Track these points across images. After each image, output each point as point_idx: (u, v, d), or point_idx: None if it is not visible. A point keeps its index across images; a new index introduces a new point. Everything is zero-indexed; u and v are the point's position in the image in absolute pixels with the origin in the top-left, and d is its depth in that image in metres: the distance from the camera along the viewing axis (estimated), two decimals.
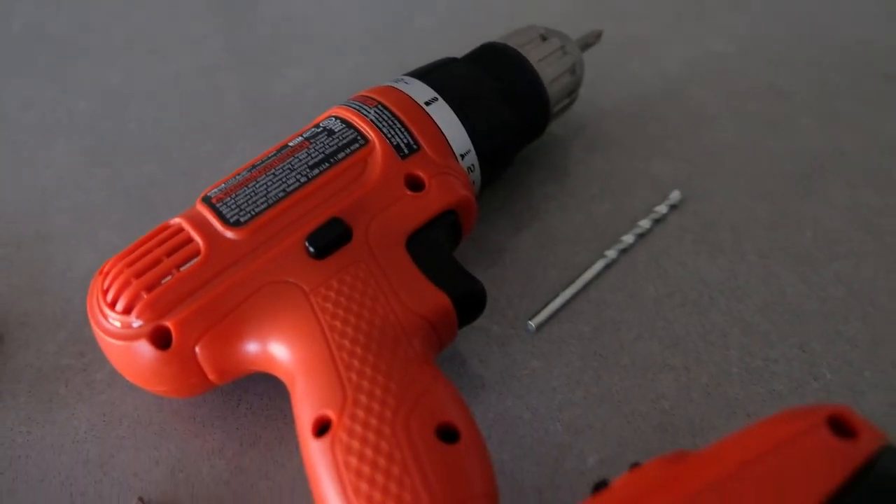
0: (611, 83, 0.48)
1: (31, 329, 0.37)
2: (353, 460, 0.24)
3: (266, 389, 0.33)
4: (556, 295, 0.35)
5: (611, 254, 0.36)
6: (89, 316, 0.30)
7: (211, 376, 0.29)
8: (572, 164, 0.43)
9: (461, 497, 0.23)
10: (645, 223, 0.38)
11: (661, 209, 0.38)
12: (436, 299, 0.29)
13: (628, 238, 0.37)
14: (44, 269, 0.39)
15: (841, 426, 0.21)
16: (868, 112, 0.45)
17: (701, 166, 0.42)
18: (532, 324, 0.34)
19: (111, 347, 0.29)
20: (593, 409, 0.32)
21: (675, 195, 0.39)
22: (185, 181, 0.43)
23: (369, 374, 0.26)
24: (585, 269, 0.36)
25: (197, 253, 0.29)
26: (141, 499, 0.30)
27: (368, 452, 0.24)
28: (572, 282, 0.36)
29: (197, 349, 0.28)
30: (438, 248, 0.31)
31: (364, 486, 0.23)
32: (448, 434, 0.25)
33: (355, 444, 0.24)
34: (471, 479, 0.24)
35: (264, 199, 0.30)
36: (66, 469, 0.32)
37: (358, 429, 0.25)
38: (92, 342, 0.36)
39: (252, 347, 0.29)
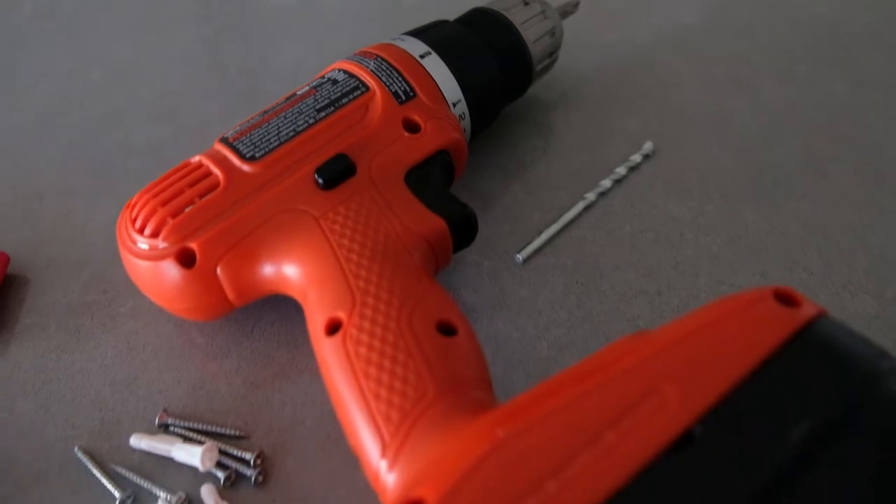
0: (588, 52, 0.52)
1: (57, 271, 0.39)
2: (363, 350, 0.27)
3: (277, 318, 0.36)
4: (541, 232, 0.39)
5: (590, 196, 0.40)
6: (118, 243, 0.33)
7: (230, 295, 0.32)
8: (554, 121, 0.46)
9: (459, 379, 0.27)
10: (621, 170, 0.41)
11: (636, 158, 0.42)
12: (433, 223, 0.32)
13: (606, 183, 0.41)
14: (66, 219, 0.42)
15: (785, 298, 0.24)
16: (821, 74, 0.49)
17: (671, 123, 0.46)
18: (519, 256, 0.38)
19: (140, 269, 0.32)
20: (576, 329, 0.36)
21: (647, 146, 0.43)
22: (195, 141, 0.46)
23: (375, 281, 0.29)
24: (567, 210, 0.40)
25: (217, 184, 0.32)
26: (166, 410, 0.33)
27: (376, 344, 0.27)
28: (555, 220, 0.39)
29: (218, 269, 0.31)
30: (434, 182, 0.34)
31: (373, 371, 0.27)
32: (446, 329, 0.28)
33: (364, 338, 0.27)
34: (467, 366, 0.27)
35: (276, 137, 0.33)
36: (94, 389, 0.35)
37: (367, 325, 0.28)
38: (114, 281, 0.39)
39: (268, 269, 0.32)
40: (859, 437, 0.21)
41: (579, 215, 0.40)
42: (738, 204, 0.41)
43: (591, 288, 0.37)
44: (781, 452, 0.21)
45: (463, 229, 0.33)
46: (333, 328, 0.29)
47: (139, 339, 0.36)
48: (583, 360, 0.24)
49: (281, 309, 0.37)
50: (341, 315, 0.29)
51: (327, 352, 0.28)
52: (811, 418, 0.21)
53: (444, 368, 0.27)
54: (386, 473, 0.25)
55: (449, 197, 0.34)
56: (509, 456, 0.21)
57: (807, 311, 0.24)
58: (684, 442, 0.21)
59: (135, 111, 0.50)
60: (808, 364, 0.22)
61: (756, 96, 0.48)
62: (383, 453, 0.25)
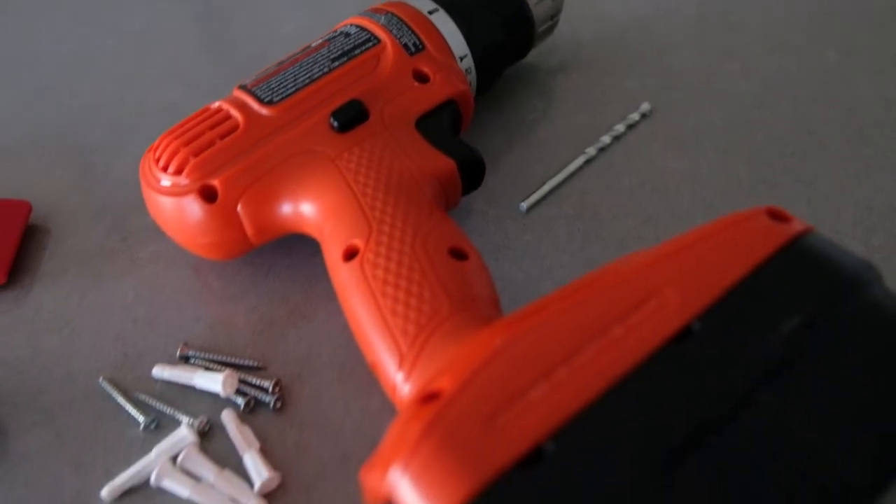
0: (588, 20, 0.54)
1: (77, 221, 0.41)
2: (380, 273, 0.29)
3: (292, 262, 0.38)
4: (544, 183, 0.40)
5: (590, 151, 0.42)
6: (142, 183, 0.34)
7: (250, 232, 0.34)
8: (555, 84, 0.48)
9: (471, 297, 0.28)
10: (619, 127, 0.43)
11: (634, 116, 0.44)
12: (443, 163, 0.34)
13: (605, 139, 0.42)
14: (85, 173, 0.43)
15: (777, 215, 0.26)
16: (811, 40, 0.51)
17: (667, 85, 0.48)
18: (523, 205, 0.39)
19: (163, 206, 0.33)
20: (577, 270, 0.37)
21: (644, 106, 0.44)
22: (206, 103, 0.48)
23: (391, 212, 0.31)
24: (569, 164, 0.41)
25: (236, 127, 0.34)
26: (186, 344, 0.35)
27: (392, 266, 0.29)
28: (557, 173, 0.41)
29: (239, 206, 0.33)
30: (443, 128, 0.36)
31: (390, 291, 0.28)
32: (458, 254, 0.30)
33: (381, 261, 0.29)
34: (478, 287, 0.29)
35: (293, 84, 0.35)
36: (116, 327, 0.36)
37: (383, 250, 0.29)
38: (133, 229, 0.40)
39: (286, 208, 0.33)
40: (842, 333, 0.23)
41: (580, 168, 0.42)
42: (732, 159, 0.43)
43: (592, 235, 0.39)
44: (772, 344, 0.22)
45: (471, 170, 0.34)
46: (351, 255, 0.30)
47: (158, 282, 0.38)
48: (587, 274, 0.26)
49: (295, 254, 0.38)
50: (358, 242, 0.30)
51: (345, 276, 0.30)
52: (800, 315, 0.23)
53: (457, 288, 0.28)
54: (403, 384, 0.27)
55: (458, 141, 0.35)
56: (522, 349, 0.23)
57: (796, 226, 0.26)
58: (684, 335, 0.23)
59: (148, 76, 0.51)
60: (798, 270, 0.24)
61: (748, 62, 0.50)
62: (400, 365, 0.27)
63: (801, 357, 0.22)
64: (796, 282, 0.24)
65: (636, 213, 0.40)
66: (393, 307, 0.28)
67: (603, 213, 0.40)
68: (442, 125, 0.36)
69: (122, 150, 0.45)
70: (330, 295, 0.37)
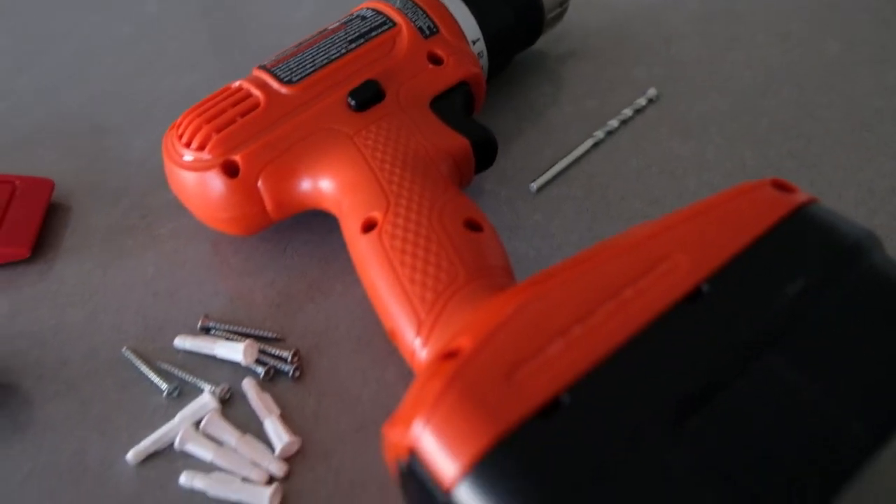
0: (595, 9, 0.55)
1: (97, 200, 0.42)
2: (398, 243, 0.30)
3: (310, 239, 0.39)
4: (554, 164, 0.41)
5: (598, 134, 0.43)
6: (165, 159, 0.35)
7: (269, 207, 0.34)
8: (563, 71, 0.49)
9: (487, 267, 0.29)
10: (627, 112, 0.44)
11: (641, 102, 0.45)
12: (458, 142, 0.35)
13: (613, 122, 0.43)
14: (104, 154, 0.44)
15: (782, 186, 0.27)
16: (813, 32, 0.52)
17: (673, 72, 0.49)
18: (533, 186, 0.40)
19: (186, 180, 0.34)
20: (586, 247, 0.38)
21: (651, 91, 0.45)
22: (220, 85, 0.49)
23: (407, 186, 0.32)
24: (578, 146, 0.42)
25: (257, 105, 0.35)
26: (207, 315, 0.35)
27: (410, 237, 0.30)
28: (567, 155, 0.42)
29: (259, 182, 0.34)
30: (457, 109, 0.37)
31: (408, 260, 0.29)
32: (473, 226, 0.31)
33: (399, 232, 0.30)
34: (492, 256, 0.30)
35: (311, 64, 0.36)
36: (138, 300, 0.37)
37: (401, 221, 0.30)
38: (152, 207, 0.41)
39: (306, 184, 0.34)
40: (845, 297, 0.24)
41: (588, 151, 0.43)
42: (737, 144, 0.44)
43: (600, 214, 0.40)
44: (778, 306, 0.23)
45: (485, 149, 0.35)
46: (369, 227, 0.31)
47: (178, 258, 0.39)
48: (598, 243, 0.27)
49: (313, 230, 0.39)
50: (377, 215, 0.31)
51: (364, 248, 0.31)
52: (804, 279, 0.24)
53: (473, 257, 0.29)
54: (421, 349, 0.28)
55: (471, 121, 0.36)
56: (538, 309, 0.24)
57: (801, 196, 0.27)
58: (694, 297, 0.24)
59: (163, 61, 0.52)
60: (802, 236, 0.25)
61: (752, 52, 0.51)
62: (419, 331, 0.28)
63: (805, 319, 0.23)
64: (801, 248, 0.25)
65: (643, 195, 0.41)
66: (411, 276, 0.29)
67: (611, 195, 0.41)
68: (455, 106, 0.37)
69: (140, 132, 0.46)
70: (346, 270, 0.38)
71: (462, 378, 0.22)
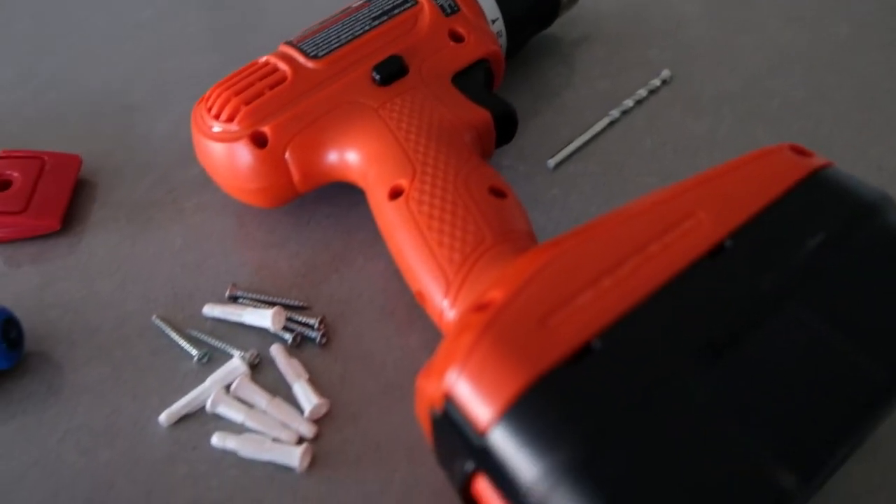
0: None
1: (123, 176, 0.43)
2: (426, 209, 0.31)
3: (332, 212, 0.40)
4: (570, 142, 0.42)
5: (614, 113, 0.44)
6: (193, 131, 0.36)
7: (296, 179, 0.35)
8: (578, 53, 0.50)
9: (511, 230, 0.30)
10: (642, 92, 0.45)
11: (655, 82, 0.46)
12: (479, 114, 0.36)
13: (628, 102, 0.44)
14: (129, 131, 0.45)
15: (800, 151, 0.28)
16: (824, 14, 0.53)
17: (686, 55, 0.49)
18: (551, 162, 0.41)
19: (215, 151, 0.35)
20: None
21: (665, 73, 0.46)
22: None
23: (433, 154, 0.33)
24: (593, 124, 0.43)
25: (284, 79, 0.36)
26: (234, 285, 0.36)
27: (437, 202, 0.31)
28: (583, 133, 0.43)
29: (287, 153, 0.35)
30: (478, 84, 0.38)
31: (436, 224, 0.30)
32: (497, 192, 0.32)
33: (426, 198, 0.31)
34: (517, 221, 0.31)
35: (336, 40, 0.37)
36: (167, 271, 0.38)
37: (427, 188, 0.31)
38: (178, 182, 0.42)
39: (332, 156, 0.35)
40: (861, 250, 0.25)
41: (604, 130, 0.43)
42: (749, 123, 0.44)
43: (616, 189, 0.41)
44: (798, 259, 0.24)
45: (506, 121, 0.36)
46: (396, 194, 0.32)
47: (204, 230, 0.40)
48: (622, 206, 0.28)
49: (336, 204, 0.40)
50: (403, 182, 0.32)
51: (391, 214, 0.32)
52: (823, 234, 0.25)
53: (499, 221, 0.30)
54: (449, 310, 0.29)
55: (492, 95, 0.37)
56: (567, 262, 0.24)
57: (818, 160, 0.28)
58: (718, 251, 0.24)
59: (184, 43, 0.53)
60: (820, 196, 0.26)
61: (763, 35, 0.51)
62: (447, 292, 0.29)
63: (824, 270, 0.24)
64: (819, 206, 0.26)
65: (658, 172, 0.42)
66: (439, 239, 0.30)
67: (626, 171, 0.42)
68: (476, 81, 0.38)
69: (164, 111, 0.47)
70: (369, 243, 0.39)
71: (495, 326, 0.23)
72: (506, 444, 0.21)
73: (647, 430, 0.21)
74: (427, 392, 0.24)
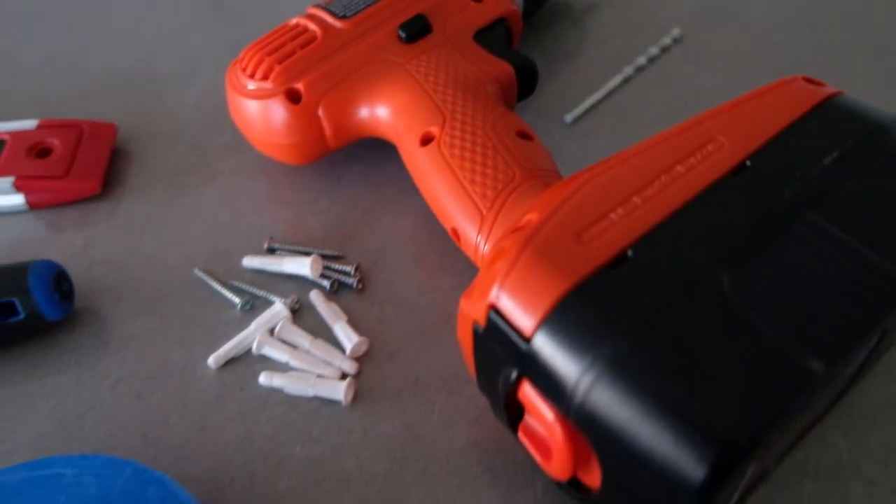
0: None
1: (157, 144, 0.44)
2: (457, 151, 0.32)
3: (360, 170, 0.41)
4: (586, 98, 0.44)
5: (628, 70, 0.45)
6: (228, 91, 0.38)
7: (328, 134, 0.37)
8: (590, 18, 0.51)
9: (539, 168, 0.32)
10: (653, 50, 0.46)
11: (666, 41, 0.47)
12: (502, 67, 0.37)
13: (641, 59, 0.46)
14: (159, 103, 0.47)
15: (812, 81, 0.30)
16: None
17: (695, 15, 0.51)
18: (568, 117, 0.43)
19: (251, 108, 0.37)
20: None
21: (675, 31, 0.48)
22: None
23: (461, 103, 0.34)
24: (608, 82, 0.45)
25: (314, 38, 0.37)
26: (272, 237, 0.38)
27: (468, 145, 0.32)
28: (598, 90, 0.44)
29: (320, 109, 0.36)
30: (499, 41, 0.40)
31: (468, 164, 0.32)
32: (524, 136, 0.33)
33: (457, 142, 0.32)
34: (544, 160, 0.32)
35: (363, 1, 0.39)
36: (204, 230, 0.39)
37: (458, 133, 0.33)
38: (210, 148, 0.44)
39: (363, 112, 0.37)
40: (874, 164, 0.26)
41: (619, 86, 0.45)
42: (758, 78, 0.46)
43: (633, 140, 0.42)
44: (815, 173, 0.26)
45: (527, 74, 0.38)
46: (427, 140, 0.34)
47: (238, 191, 0.41)
48: (643, 139, 0.29)
49: (364, 163, 0.42)
50: (434, 129, 0.34)
51: (424, 159, 0.33)
52: (838, 151, 0.26)
53: (526, 160, 0.32)
54: (483, 244, 0.30)
55: (513, 51, 0.39)
56: (598, 185, 0.26)
57: (830, 88, 0.29)
58: (740, 169, 0.26)
59: (211, 16, 0.54)
60: (834, 119, 0.28)
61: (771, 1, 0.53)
62: (482, 226, 0.30)
63: (839, 183, 0.26)
64: (833, 128, 0.27)
65: (673, 124, 0.43)
66: (471, 177, 0.31)
67: (641, 125, 0.43)
68: (497, 38, 0.40)
69: (191, 82, 0.48)
70: (397, 198, 0.40)
71: (534, 241, 0.25)
72: (550, 347, 0.23)
73: (681, 324, 0.22)
74: (470, 311, 0.26)
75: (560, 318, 0.23)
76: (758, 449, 0.21)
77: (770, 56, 0.47)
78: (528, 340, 0.23)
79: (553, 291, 0.23)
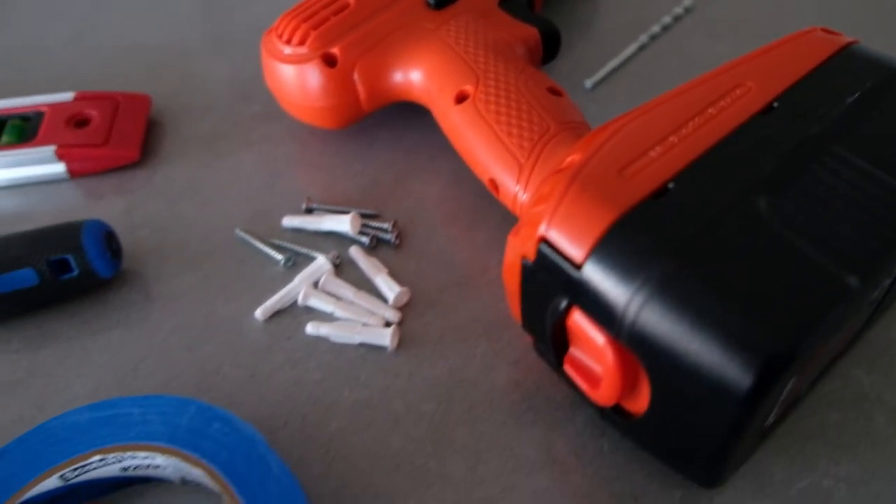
0: None
1: (189, 114, 0.46)
2: (492, 107, 0.34)
3: (391, 136, 0.43)
4: (605, 64, 0.46)
5: (643, 38, 0.47)
6: (264, 57, 0.39)
7: (363, 97, 0.38)
8: None
9: (571, 120, 0.33)
10: (667, 19, 0.48)
11: (678, 10, 0.49)
12: (528, 31, 0.39)
13: (655, 28, 0.48)
14: (190, 76, 0.48)
15: (830, 31, 0.31)
16: None
17: None
18: (588, 83, 0.44)
19: (287, 73, 0.38)
20: None
21: (687, 1, 0.50)
22: None
23: (492, 62, 0.36)
24: (625, 49, 0.47)
25: (347, 5, 0.39)
26: (310, 198, 0.39)
27: (502, 100, 0.34)
28: (615, 57, 0.46)
29: (355, 73, 0.38)
30: (523, 7, 0.41)
31: (503, 118, 0.33)
32: (555, 92, 0.35)
33: (492, 98, 0.34)
34: (575, 114, 0.34)
35: None
36: (242, 192, 0.41)
37: (492, 90, 0.34)
38: (241, 118, 0.45)
39: (397, 76, 0.38)
40: (890, 106, 0.28)
41: (635, 54, 0.47)
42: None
43: None
44: (839, 111, 0.27)
45: (551, 38, 0.40)
46: (462, 98, 0.35)
47: (272, 156, 0.43)
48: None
49: (395, 129, 0.43)
50: (468, 88, 0.35)
51: (459, 116, 0.35)
52: (858, 93, 0.28)
53: (560, 113, 0.33)
54: (522, 193, 0.32)
55: (537, 15, 0.40)
56: (635, 127, 0.28)
57: (847, 38, 0.31)
58: (768, 110, 0.28)
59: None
60: (853, 64, 0.29)
61: None
62: (520, 175, 0.32)
63: (862, 120, 0.27)
64: (853, 72, 0.29)
65: None
66: (507, 130, 0.33)
67: (658, 89, 0.44)
68: (521, 5, 0.41)
69: (220, 56, 0.50)
70: (429, 160, 0.42)
71: (579, 177, 0.26)
72: (600, 273, 0.25)
73: (723, 245, 0.24)
74: (519, 246, 0.28)
75: (609, 246, 0.25)
76: (799, 359, 0.22)
77: (779, 23, 0.49)
78: (579, 268, 0.25)
79: (602, 221, 0.25)
